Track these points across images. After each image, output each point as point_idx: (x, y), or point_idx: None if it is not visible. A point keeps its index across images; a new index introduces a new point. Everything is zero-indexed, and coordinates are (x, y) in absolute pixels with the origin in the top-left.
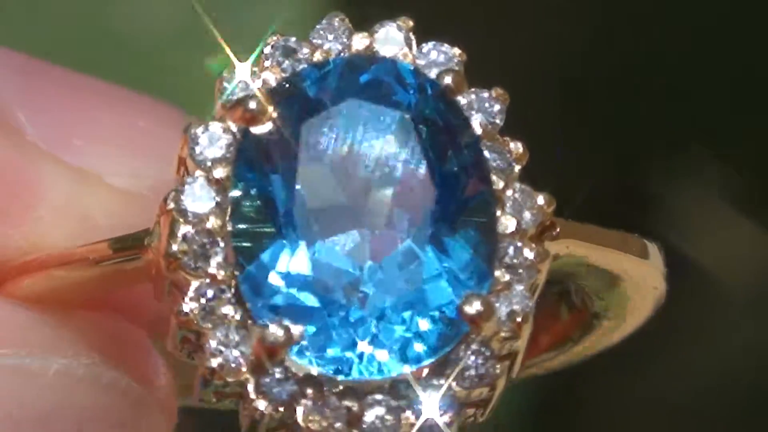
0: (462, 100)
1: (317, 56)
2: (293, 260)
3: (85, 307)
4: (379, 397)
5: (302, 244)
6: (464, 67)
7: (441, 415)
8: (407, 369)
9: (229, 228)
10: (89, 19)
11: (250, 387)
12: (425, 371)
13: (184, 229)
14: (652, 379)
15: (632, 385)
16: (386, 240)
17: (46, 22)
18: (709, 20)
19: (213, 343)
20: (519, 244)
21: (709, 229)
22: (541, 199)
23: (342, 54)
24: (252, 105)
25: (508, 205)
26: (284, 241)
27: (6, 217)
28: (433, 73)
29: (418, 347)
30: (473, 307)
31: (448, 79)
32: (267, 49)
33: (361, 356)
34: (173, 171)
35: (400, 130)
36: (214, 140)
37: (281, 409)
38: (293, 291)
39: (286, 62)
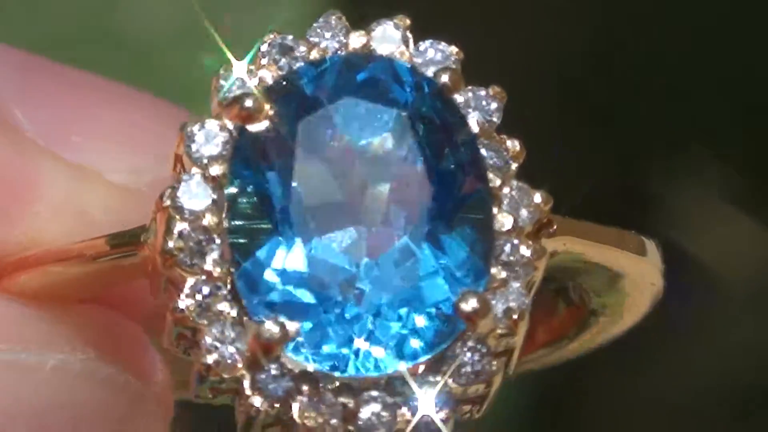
0: (459, 98)
1: (314, 54)
2: (289, 257)
3: (82, 303)
4: (375, 393)
5: (298, 241)
6: (461, 66)
7: (437, 412)
8: (403, 366)
9: (226, 225)
10: (89, 19)
11: (246, 383)
12: (421, 368)
13: (180, 226)
14: (651, 377)
15: (632, 383)
16: (383, 237)
17: (45, 22)
18: (709, 20)
19: (209, 340)
20: (516, 241)
21: (708, 226)
22: (538, 197)
23: (339, 52)
24: (248, 103)
25: (504, 202)
26: (280, 238)
27: (4, 213)
28: (430, 72)
29: (415, 344)
30: (469, 305)
31: (445, 78)
32: (264, 47)
33: (357, 353)
34: (170, 168)
35: (397, 128)
36: (210, 138)
37: (277, 405)
38: (289, 288)
39: (283, 60)
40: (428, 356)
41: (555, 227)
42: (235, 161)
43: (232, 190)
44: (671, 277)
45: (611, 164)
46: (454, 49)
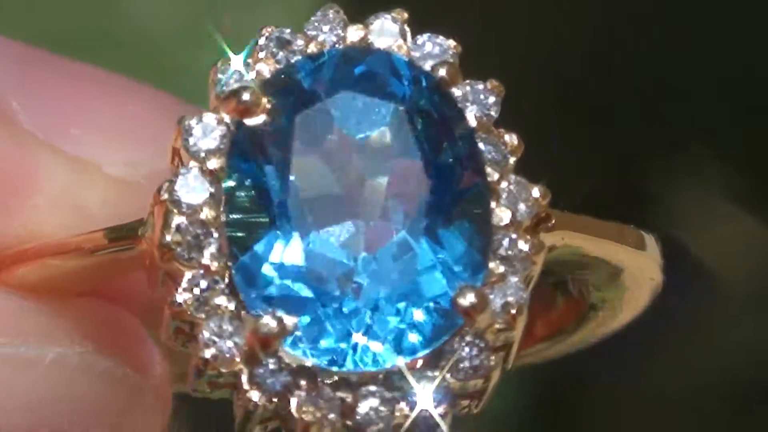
0: (457, 92)
1: (312, 48)
2: (287, 251)
3: (80, 296)
4: (373, 388)
5: (296, 235)
6: (459, 60)
7: (435, 407)
8: (401, 360)
9: (223, 218)
10: (89, 19)
11: (244, 378)
12: (419, 363)
13: (178, 219)
14: (652, 374)
15: (632, 381)
16: (381, 231)
17: (45, 22)
18: (709, 20)
19: (206, 334)
20: (514, 236)
21: (708, 226)
22: (536, 191)
23: (337, 46)
24: (246, 97)
25: (503, 197)
26: (278, 232)
27: (3, 206)
28: (427, 65)
29: (413, 338)
30: (467, 300)
31: (442, 71)
32: (261, 41)
33: (355, 347)
34: (168, 157)
35: (395, 122)
36: (208, 131)
37: (275, 400)
38: (287, 282)
39: (281, 54)
40: (426, 351)
41: (553, 221)
42: (233, 155)
43: (230, 183)
44: (671, 273)
45: (611, 164)
46: (451, 42)
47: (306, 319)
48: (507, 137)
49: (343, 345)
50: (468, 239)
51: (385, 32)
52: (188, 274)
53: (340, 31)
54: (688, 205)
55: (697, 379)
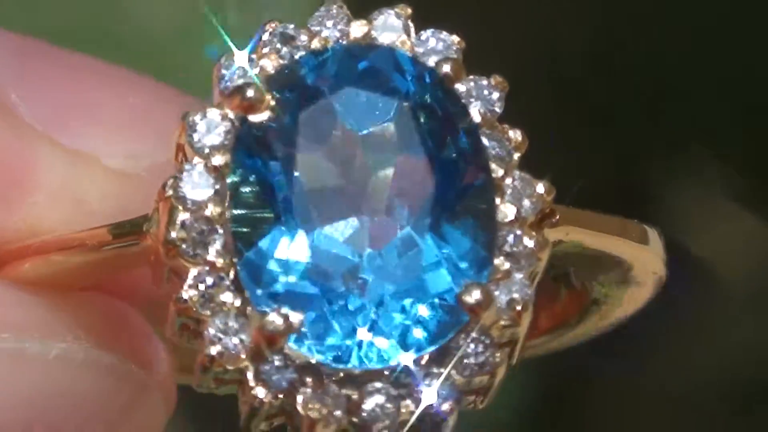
0: (461, 87)
1: (315, 43)
2: (292, 247)
3: (84, 291)
4: (378, 385)
5: (301, 231)
6: (463, 56)
7: (441, 404)
8: (407, 357)
9: (228, 214)
10: (88, 18)
11: (249, 374)
12: (425, 359)
13: (183, 216)
14: (651, 374)
15: (632, 380)
16: (385, 227)
17: (45, 20)
18: (709, 20)
19: (212, 331)
20: (519, 232)
21: (709, 225)
22: (540, 187)
23: (340, 41)
24: (250, 93)
25: (507, 193)
26: (283, 228)
27: (3, 199)
28: (431, 61)
29: (418, 334)
30: (472, 297)
31: (446, 68)
32: (265, 36)
33: (360, 344)
34: (171, 156)
35: (399, 118)
36: (212, 127)
37: (280, 396)
38: (292, 278)
39: (284, 49)
40: (432, 348)
41: (558, 217)
42: (238, 150)
43: (235, 179)
44: (671, 272)
45: (611, 164)
46: (455, 38)
47: (311, 315)
48: (511, 133)
49: (348, 342)
50: (473, 235)
51: (389, 28)
52: (193, 271)
53: (343, 27)
54: (688, 205)
55: (697, 379)
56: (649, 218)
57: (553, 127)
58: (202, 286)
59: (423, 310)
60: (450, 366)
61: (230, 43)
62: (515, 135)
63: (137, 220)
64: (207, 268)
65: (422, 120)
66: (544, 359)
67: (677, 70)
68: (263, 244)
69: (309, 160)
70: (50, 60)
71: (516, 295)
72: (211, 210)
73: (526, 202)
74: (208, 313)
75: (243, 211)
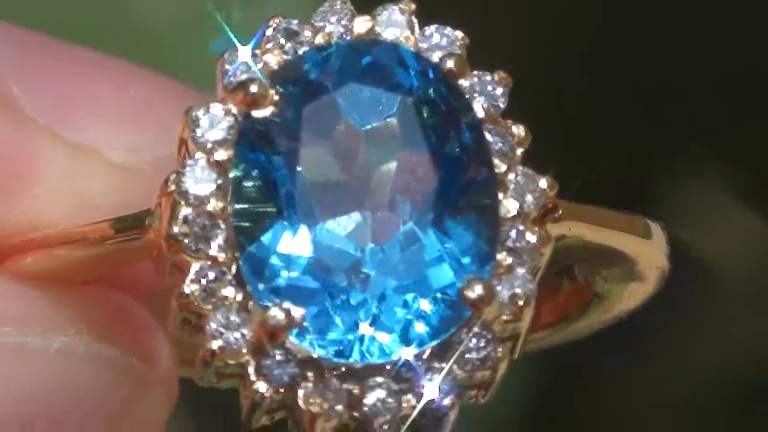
0: (464, 82)
1: (319, 39)
2: (294, 242)
3: (86, 284)
4: (380, 379)
5: (303, 226)
6: (467, 51)
7: (442, 398)
8: (409, 352)
9: (230, 208)
10: (88, 16)
11: (251, 369)
12: (426, 354)
13: (185, 211)
14: (652, 371)
15: (632, 377)
16: (388, 222)
17: (44, 17)
18: (709, 20)
19: (213, 325)
20: (521, 227)
21: (709, 225)
22: (543, 183)
23: (344, 37)
24: (253, 88)
25: (510, 188)
26: (285, 223)
27: (3, 194)
28: (435, 57)
29: (420, 328)
30: (474, 292)
31: (450, 63)
32: (269, 31)
33: (362, 339)
34: (174, 150)
35: (402, 114)
36: (215, 122)
37: (282, 391)
38: (294, 273)
39: (288, 45)
40: (433, 342)
41: (560, 212)
42: (241, 145)
43: (237, 173)
44: (672, 271)
45: (611, 164)
46: (459, 34)
47: (313, 310)
48: (514, 128)
49: (350, 336)
50: (475, 230)
51: (393, 23)
52: (195, 266)
53: (347, 23)
54: (688, 205)
55: (698, 377)
56: (649, 216)
57: (555, 124)
58: (203, 281)
59: (425, 305)
60: (451, 361)
61: (234, 39)
62: (518, 130)
63: (139, 215)
64: (209, 262)
65: (425, 115)
66: (546, 354)
67: (677, 70)
68: (265, 238)
69: (312, 154)
70: (51, 52)
71: (518, 290)
72: (214, 205)
73: (529, 198)
74: (210, 307)
75: (245, 206)
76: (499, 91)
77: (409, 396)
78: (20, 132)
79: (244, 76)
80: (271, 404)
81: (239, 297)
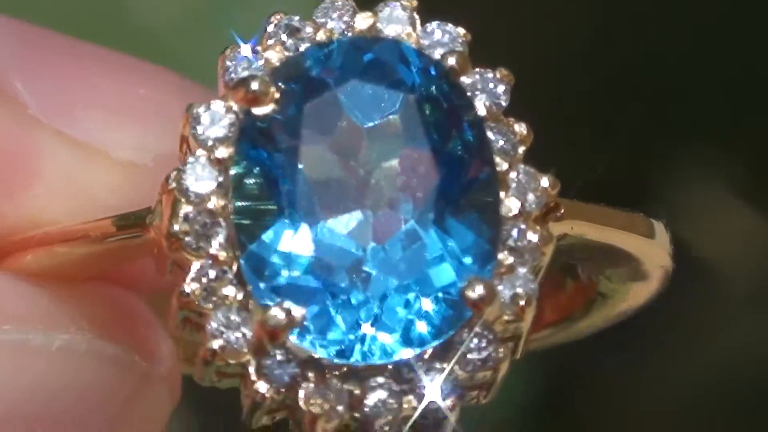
0: (466, 80)
1: (321, 35)
2: (295, 240)
3: (88, 281)
4: (381, 380)
5: (304, 224)
6: (468, 48)
7: (443, 399)
8: (410, 352)
9: (231, 205)
10: (88, 15)
11: (251, 369)
12: (428, 354)
13: (186, 209)
14: (652, 372)
15: (633, 378)
16: (389, 221)
17: (44, 17)
18: (709, 20)
19: (214, 325)
20: (523, 226)
21: (708, 224)
22: (545, 181)
23: (346, 33)
24: (254, 86)
25: (512, 187)
26: (286, 221)
27: (4, 190)
28: (437, 54)
29: (421, 328)
30: (476, 292)
31: (452, 60)
32: (270, 28)
33: (363, 339)
34: (176, 147)
35: (404, 111)
36: (216, 120)
37: (282, 390)
38: (295, 272)
39: (290, 41)
40: (435, 343)
41: (562, 211)
42: (242, 142)
43: (239, 170)
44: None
45: (611, 164)
46: (461, 30)
47: (314, 309)
48: (516, 126)
49: (351, 336)
50: (477, 229)
51: (394, 20)
52: (196, 264)
53: (348, 19)
54: (688, 204)
55: (698, 379)
56: (649, 215)
57: (555, 122)
58: (204, 280)
59: (426, 304)
60: (453, 361)
61: (235, 35)
62: (520, 128)
63: (141, 212)
64: (209, 261)
65: (427, 113)
66: (546, 354)
67: (677, 70)
68: (266, 236)
69: (313, 152)
70: (53, 46)
71: (519, 290)
72: (215, 203)
73: (531, 196)
74: (210, 306)
75: (246, 203)
76: (501, 88)
77: (410, 397)
78: (22, 128)
79: (245, 73)
80: (271, 404)
81: (240, 296)
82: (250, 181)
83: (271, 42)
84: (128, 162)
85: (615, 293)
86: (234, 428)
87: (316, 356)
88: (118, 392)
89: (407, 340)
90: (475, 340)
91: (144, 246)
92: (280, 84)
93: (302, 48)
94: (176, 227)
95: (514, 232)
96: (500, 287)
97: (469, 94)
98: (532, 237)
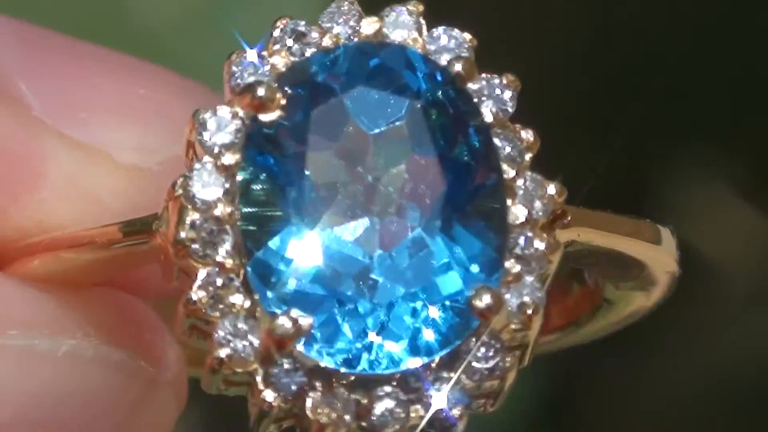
0: (473, 86)
1: (326, 41)
2: (302, 248)
3: (94, 286)
4: (388, 389)
5: (311, 231)
6: (475, 53)
7: (450, 409)
8: (417, 361)
9: (238, 211)
10: (88, 15)
11: (259, 378)
12: (435, 363)
13: (193, 216)
14: (652, 374)
15: (632, 381)
16: (396, 228)
17: (44, 17)
18: (709, 20)
19: (221, 333)
20: (530, 234)
21: (709, 224)
22: (552, 189)
23: (351, 38)
24: (261, 92)
25: (519, 194)
26: (293, 228)
27: (9, 193)
28: (443, 59)
29: (429, 336)
30: (483, 301)
31: (458, 66)
32: (276, 33)
33: (370, 347)
34: (182, 148)
35: (411, 118)
36: (222, 126)
37: (290, 399)
38: (302, 279)
39: (296, 46)
40: (442, 352)
41: (569, 218)
42: (248, 149)
43: (245, 176)
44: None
45: (611, 164)
46: (467, 36)
47: (321, 318)
48: (523, 133)
49: (358, 345)
50: (484, 237)
51: (400, 25)
52: (203, 272)
53: (354, 24)
54: (688, 205)
55: (698, 380)
56: (649, 217)
57: (555, 123)
58: (211, 288)
59: (433, 312)
60: (460, 370)
61: (241, 40)
62: (527, 135)
63: (147, 219)
64: (216, 269)
65: (434, 119)
66: (546, 356)
67: (677, 70)
68: (273, 243)
69: (320, 158)
70: (55, 47)
71: (527, 299)
72: (221, 210)
73: (538, 204)
74: (217, 314)
75: (253, 209)
76: (508, 94)
77: (418, 406)
78: (27, 130)
79: (251, 79)
80: (279, 413)
81: (247, 304)
82: (257, 187)
83: (277, 47)
84: (133, 166)
85: (621, 299)
86: None
87: (323, 365)
88: (125, 398)
89: (414, 349)
90: (482, 350)
91: (151, 252)
92: (286, 89)
93: (308, 53)
94: (183, 234)
95: (521, 240)
96: (507, 296)
97: (475, 100)
98: (539, 245)
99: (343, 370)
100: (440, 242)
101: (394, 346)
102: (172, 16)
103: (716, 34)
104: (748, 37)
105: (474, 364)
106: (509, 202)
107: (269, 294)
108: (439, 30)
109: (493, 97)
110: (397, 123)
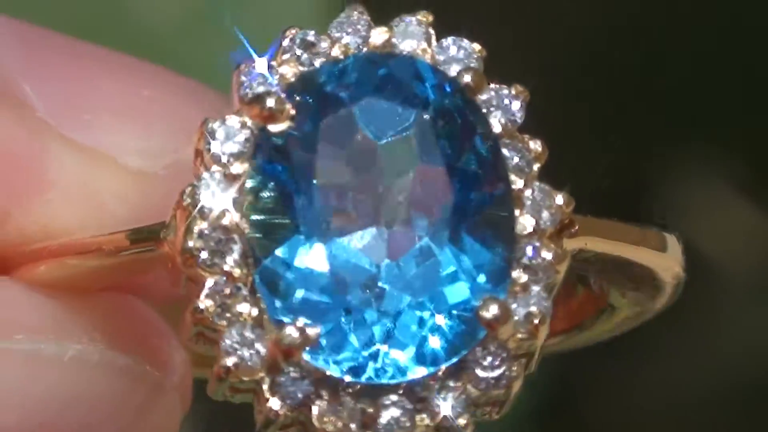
0: (481, 96)
1: (336, 51)
2: (309, 256)
3: (100, 291)
4: (394, 398)
5: (318, 240)
6: (484, 64)
7: (456, 417)
8: (423, 371)
9: (246, 220)
10: (88, 15)
11: (265, 386)
12: (441, 372)
13: (201, 225)
14: (652, 375)
15: (632, 381)
16: (403, 238)
17: (44, 17)
18: (709, 20)
19: (228, 341)
20: (537, 244)
21: (709, 224)
22: (560, 198)
23: (361, 48)
24: (270, 103)
25: (527, 204)
26: (301, 237)
27: (13, 196)
28: (452, 70)
29: (435, 344)
30: (490, 312)
31: (467, 78)
32: (285, 42)
33: (376, 356)
34: (188, 152)
35: (419, 128)
36: (231, 135)
37: (296, 407)
38: (309, 288)
39: (305, 56)
40: (449, 361)
41: (576, 227)
42: (257, 158)
43: (254, 185)
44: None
45: (611, 164)
46: (476, 46)
47: (327, 327)
48: (531, 144)
49: (364, 353)
50: (491, 247)
51: (410, 35)
52: (210, 281)
53: (364, 33)
54: (688, 203)
55: (698, 380)
56: (649, 217)
57: (556, 122)
58: (218, 297)
59: (440, 320)
60: (466, 380)
61: (250, 49)
62: (535, 145)
63: (155, 227)
64: (224, 278)
65: (441, 129)
66: (547, 356)
67: (677, 70)
68: (281, 252)
69: (328, 167)
70: (55, 48)
71: (533, 308)
72: (229, 219)
73: (545, 214)
74: (225, 323)
75: (261, 217)
76: (516, 105)
77: (424, 415)
78: (31, 132)
79: (260, 89)
80: (284, 421)
81: (254, 313)
82: (265, 195)
83: (286, 57)
84: (138, 170)
85: (626, 304)
86: None
87: (330, 374)
88: (130, 402)
89: (421, 357)
90: (489, 359)
91: (158, 260)
92: (295, 99)
93: (317, 63)
94: (190, 243)
95: (529, 250)
96: (514, 305)
97: (484, 110)
98: (547, 255)
99: (349, 378)
100: (448, 252)
101: (400, 355)
102: (172, 16)
103: (716, 34)
104: (748, 37)
105: (480, 373)
106: (517, 212)
107: (277, 303)
108: (449, 40)
109: (502, 107)
110: (406, 133)
